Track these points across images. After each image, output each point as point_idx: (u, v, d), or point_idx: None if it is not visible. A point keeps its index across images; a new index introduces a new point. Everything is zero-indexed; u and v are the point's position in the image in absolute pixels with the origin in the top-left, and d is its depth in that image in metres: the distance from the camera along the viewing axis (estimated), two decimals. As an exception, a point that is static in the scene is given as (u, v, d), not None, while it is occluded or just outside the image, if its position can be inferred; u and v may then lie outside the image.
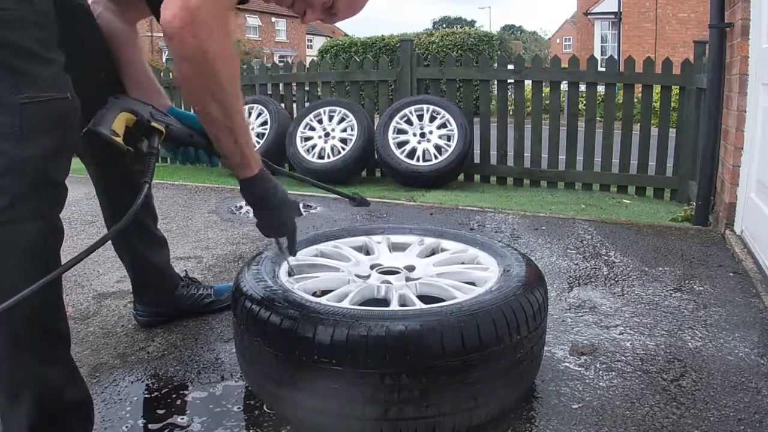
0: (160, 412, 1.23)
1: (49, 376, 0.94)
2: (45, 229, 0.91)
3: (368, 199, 1.53)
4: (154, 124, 1.14)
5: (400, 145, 4.28)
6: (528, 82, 4.45)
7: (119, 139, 1.05)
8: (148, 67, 1.37)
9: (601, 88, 4.25)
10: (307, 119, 4.59)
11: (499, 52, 13.24)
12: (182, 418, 1.20)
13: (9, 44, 0.86)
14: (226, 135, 1.06)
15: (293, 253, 1.32)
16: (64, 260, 0.98)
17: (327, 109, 4.58)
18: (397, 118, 4.33)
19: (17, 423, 0.93)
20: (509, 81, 4.54)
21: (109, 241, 1.57)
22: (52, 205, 0.93)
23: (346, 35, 18.63)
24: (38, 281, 0.86)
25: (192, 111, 1.25)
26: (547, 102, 4.63)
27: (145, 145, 1.12)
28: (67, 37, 0.97)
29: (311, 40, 40.85)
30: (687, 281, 2.02)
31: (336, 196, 1.62)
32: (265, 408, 1.23)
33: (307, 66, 5.16)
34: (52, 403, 0.94)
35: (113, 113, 1.07)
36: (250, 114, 4.91)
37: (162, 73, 6.09)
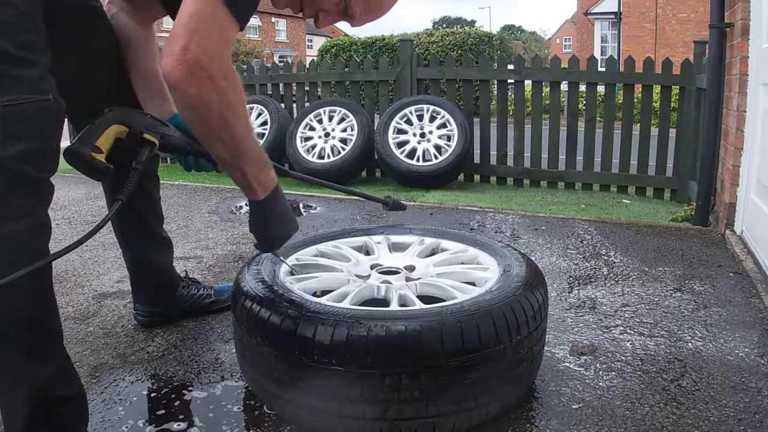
0: (160, 412, 1.23)
1: (40, 371, 0.94)
2: (31, 226, 0.92)
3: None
4: (146, 135, 1.13)
5: (400, 145, 4.28)
6: (528, 82, 4.44)
7: (101, 156, 1.04)
8: (159, 70, 1.35)
9: (601, 88, 4.24)
10: (307, 119, 4.59)
11: (499, 52, 13.23)
12: (182, 419, 1.20)
13: None
14: (233, 170, 1.06)
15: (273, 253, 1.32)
16: (63, 258, 0.98)
17: (327, 109, 4.57)
18: (397, 118, 4.33)
19: (13, 416, 0.93)
20: (509, 81, 4.54)
21: (116, 240, 1.58)
22: (36, 203, 0.94)
23: (346, 35, 18.62)
24: (27, 278, 0.86)
25: None
26: (547, 102, 4.63)
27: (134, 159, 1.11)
28: (75, 38, 0.97)
29: (311, 40, 40.84)
30: (687, 281, 2.02)
31: (358, 198, 1.61)
32: (265, 408, 1.23)
33: (307, 66, 5.16)
34: (45, 398, 0.95)
35: (101, 129, 1.06)
36: (250, 114, 4.91)
37: (162, 73, 6.09)
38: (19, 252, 0.89)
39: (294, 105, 5.17)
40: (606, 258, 2.29)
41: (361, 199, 1.49)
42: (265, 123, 4.77)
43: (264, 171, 1.10)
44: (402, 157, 4.22)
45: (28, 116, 0.91)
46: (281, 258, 1.36)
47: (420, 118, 4.33)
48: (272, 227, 1.17)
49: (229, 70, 0.94)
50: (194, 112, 0.94)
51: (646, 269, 2.15)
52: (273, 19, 36.00)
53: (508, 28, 66.66)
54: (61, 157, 1.00)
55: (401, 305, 1.19)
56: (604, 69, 4.24)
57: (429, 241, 1.55)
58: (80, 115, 1.00)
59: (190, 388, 1.32)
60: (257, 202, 1.12)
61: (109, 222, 1.52)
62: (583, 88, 4.47)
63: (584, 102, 4.42)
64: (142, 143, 1.13)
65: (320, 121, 4.55)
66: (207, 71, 0.90)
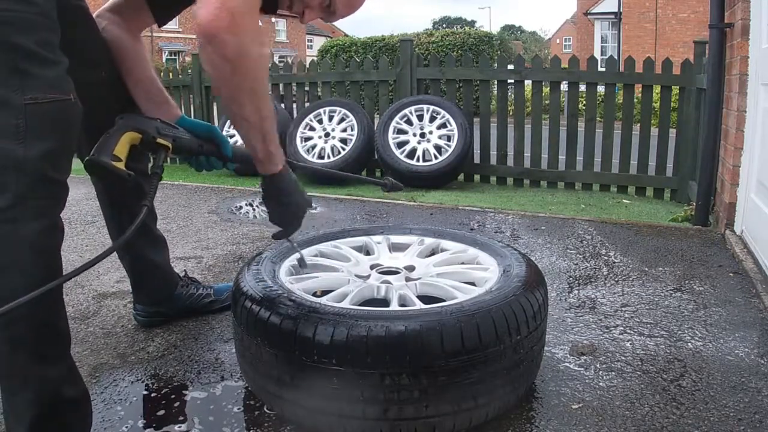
0: (160, 412, 1.23)
1: (48, 374, 0.95)
2: (46, 228, 0.92)
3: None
4: (159, 140, 1.14)
5: (400, 145, 4.28)
6: (528, 82, 4.45)
7: (121, 164, 1.05)
8: (156, 77, 1.37)
9: (601, 88, 4.24)
10: (307, 119, 4.59)
11: (499, 52, 13.24)
12: (182, 419, 1.20)
13: (14, 46, 0.87)
14: (256, 134, 1.08)
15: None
16: (63, 258, 0.99)
17: (327, 109, 4.57)
18: (397, 118, 4.33)
19: (19, 418, 0.93)
20: (509, 81, 4.54)
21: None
22: (53, 204, 0.94)
23: (346, 35, 18.62)
24: (40, 279, 0.86)
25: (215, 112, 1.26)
26: (547, 102, 4.63)
27: (150, 165, 1.12)
28: (67, 38, 0.97)
29: (311, 40, 40.84)
30: (687, 281, 2.02)
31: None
32: (265, 408, 1.23)
33: (307, 66, 5.16)
34: (51, 400, 0.95)
35: (116, 137, 1.07)
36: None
37: (161, 74, 6.10)
38: (33, 254, 0.89)
39: (294, 105, 5.17)
40: (606, 258, 2.29)
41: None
42: (265, 123, 4.77)
43: (277, 144, 1.14)
44: (402, 157, 4.22)
45: (50, 116, 0.90)
46: (295, 245, 1.38)
47: (420, 118, 4.33)
48: (294, 196, 1.21)
49: (260, 30, 0.96)
50: (231, 65, 0.94)
51: (646, 269, 2.15)
52: (273, 20, 35.93)
53: (508, 28, 66.69)
54: None
55: (401, 305, 1.19)
56: (604, 69, 4.25)
57: (429, 241, 1.55)
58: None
59: (190, 388, 1.32)
60: (276, 175, 1.15)
61: (106, 223, 1.53)
62: (583, 88, 4.47)
63: (584, 102, 4.43)
64: (157, 148, 1.14)
65: (320, 121, 4.55)
66: (247, 21, 0.92)
